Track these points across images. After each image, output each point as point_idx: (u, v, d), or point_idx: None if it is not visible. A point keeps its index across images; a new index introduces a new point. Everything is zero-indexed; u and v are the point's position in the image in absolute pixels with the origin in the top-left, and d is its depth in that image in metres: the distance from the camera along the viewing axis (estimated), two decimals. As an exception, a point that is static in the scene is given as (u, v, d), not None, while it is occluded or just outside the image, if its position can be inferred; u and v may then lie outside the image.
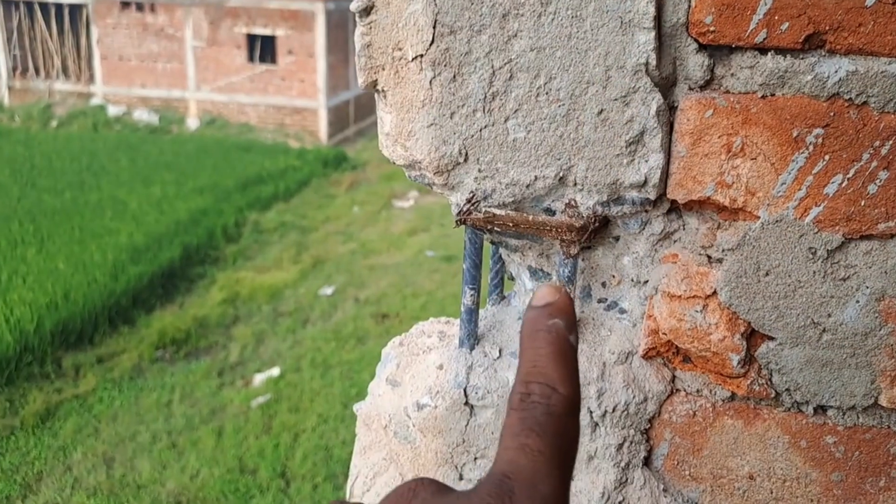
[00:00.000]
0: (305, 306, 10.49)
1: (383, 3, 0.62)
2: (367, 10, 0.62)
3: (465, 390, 0.71)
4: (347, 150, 19.18)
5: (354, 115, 21.44)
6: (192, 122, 21.41)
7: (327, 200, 15.76)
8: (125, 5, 21.54)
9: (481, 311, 0.78)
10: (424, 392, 0.72)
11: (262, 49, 20.77)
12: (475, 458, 0.72)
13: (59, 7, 22.01)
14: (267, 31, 20.30)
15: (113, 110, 21.48)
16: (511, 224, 0.67)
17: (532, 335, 0.37)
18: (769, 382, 0.66)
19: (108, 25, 21.66)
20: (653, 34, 0.59)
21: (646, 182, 0.63)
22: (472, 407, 0.71)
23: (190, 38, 21.31)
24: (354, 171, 17.43)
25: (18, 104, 22.12)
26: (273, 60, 20.79)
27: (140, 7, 21.46)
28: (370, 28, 0.63)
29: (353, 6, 0.62)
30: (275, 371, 8.45)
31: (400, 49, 0.63)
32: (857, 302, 0.61)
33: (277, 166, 17.13)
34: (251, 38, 20.69)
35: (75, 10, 21.99)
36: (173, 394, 8.28)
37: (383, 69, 0.64)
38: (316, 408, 7.60)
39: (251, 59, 20.98)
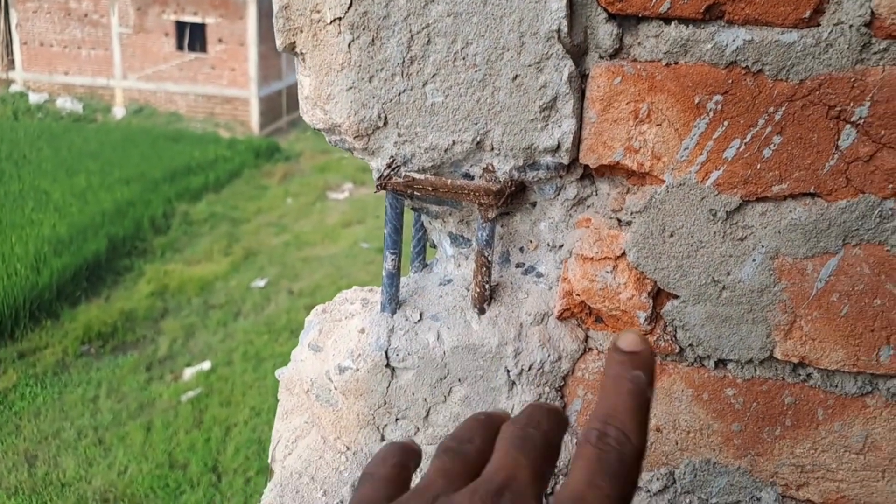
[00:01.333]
0: (237, 299, 10.32)
1: (302, -34, 0.63)
2: (285, -28, 0.63)
3: (386, 352, 0.72)
4: (280, 140, 18.90)
5: (287, 105, 21.13)
6: (119, 111, 20.74)
7: (259, 192, 15.51)
8: (46, -12, 20.71)
9: (403, 279, 0.79)
10: (346, 355, 0.73)
11: (192, 37, 20.26)
12: (396, 419, 0.74)
13: (-27, -12, 21.00)
14: (197, 19, 19.81)
15: (34, 98, 20.62)
16: (430, 189, 0.69)
17: (616, 380, 0.40)
18: (674, 338, 0.69)
19: (29, 10, 20.76)
20: (564, 2, 0.61)
21: (559, 147, 0.66)
22: (393, 369, 0.73)
23: (116, 24, 20.61)
24: (287, 162, 17.19)
25: (-70, 90, 21.06)
26: (203, 49, 20.31)
27: (62, -10, 20.66)
28: (289, -10, 0.64)
29: (272, -33, 0.62)
30: (205, 365, 8.30)
31: (318, 11, 0.64)
32: (754, 260, 0.65)
33: (207, 157, 16.75)
34: (180, 26, 20.16)
35: (-8, -9, 21.01)
36: (99, 389, 8.04)
37: (301, 31, 0.65)
38: (248, 401, 7.49)
39: (180, 46, 20.43)
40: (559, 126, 0.65)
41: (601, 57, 0.65)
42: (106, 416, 7.32)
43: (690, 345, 0.69)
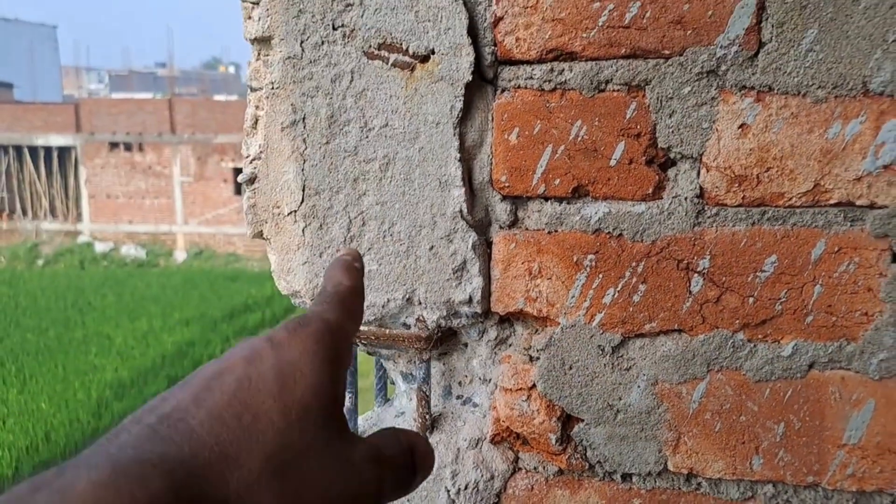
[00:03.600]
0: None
1: (263, 174, 0.83)
2: (251, 181, 0.82)
3: (346, 478, 0.86)
4: (332, 275, 19.42)
5: (338, 240, 21.84)
6: (180, 255, 21.79)
7: (312, 326, 15.83)
8: (114, 146, 22.35)
9: (367, 413, 0.94)
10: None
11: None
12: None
13: (47, 150, 22.77)
14: (251, 165, 21.03)
15: (100, 247, 21.87)
16: (374, 337, 0.85)
17: (330, 266, 0.48)
18: (584, 457, 0.82)
19: (97, 165, 22.39)
20: (463, 189, 0.79)
21: (471, 300, 0.82)
22: None
23: (178, 174, 22.02)
24: (339, 295, 17.61)
25: (5, 245, 22.46)
26: (258, 192, 21.39)
27: (129, 147, 22.28)
28: (254, 193, 0.83)
29: (241, 178, 0.82)
30: None
31: (278, 207, 0.83)
32: (639, 387, 0.78)
33: (264, 293, 17.31)
34: (237, 172, 21.40)
35: (64, 151, 22.74)
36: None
37: (266, 223, 0.84)
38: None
39: (238, 191, 21.65)
40: (470, 283, 0.81)
41: (501, 227, 0.82)
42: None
43: (598, 461, 0.81)
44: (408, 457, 0.44)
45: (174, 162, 21.81)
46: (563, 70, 0.76)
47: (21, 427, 9.78)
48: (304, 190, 0.82)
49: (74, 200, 22.67)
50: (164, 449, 0.34)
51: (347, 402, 0.89)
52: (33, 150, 22.57)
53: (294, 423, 0.38)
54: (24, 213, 22.80)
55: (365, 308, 0.84)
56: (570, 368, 0.80)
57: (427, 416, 0.86)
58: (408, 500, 0.85)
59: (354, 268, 0.48)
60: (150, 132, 21.91)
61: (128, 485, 0.31)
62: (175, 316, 15.35)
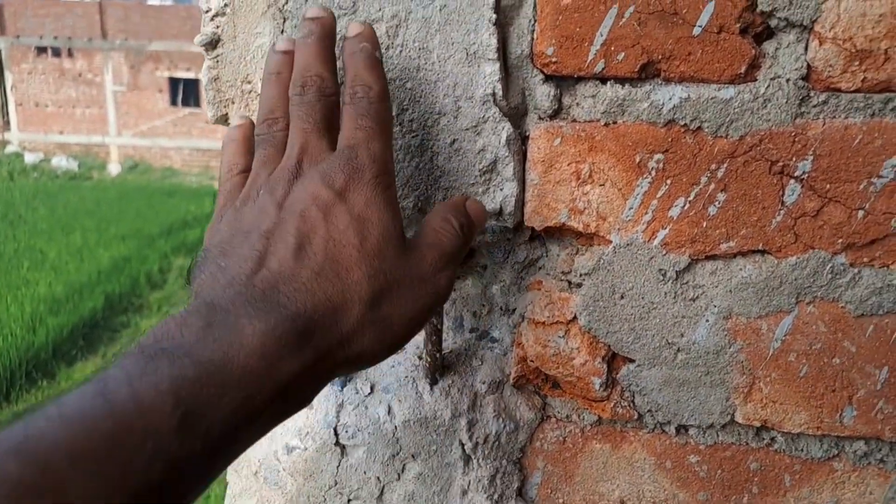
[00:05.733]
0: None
1: (229, 37, 0.62)
2: (212, 44, 0.62)
3: (335, 429, 0.69)
4: (276, 191, 18.99)
5: (282, 156, 21.30)
6: (114, 168, 20.91)
7: (256, 243, 15.52)
8: (41, 51, 21.03)
9: (357, 347, 0.77)
10: (294, 434, 0.70)
11: (186, 92, 20.51)
12: (348, 500, 0.70)
13: (-31, 53, 21.32)
14: (190, 75, 20.09)
15: (30, 158, 20.80)
16: (373, 257, 0.67)
17: (351, 56, 0.53)
18: (632, 404, 0.67)
19: (24, 71, 21.07)
20: (497, 65, 0.60)
21: (502, 210, 0.64)
22: (343, 447, 0.70)
23: (110, 82, 20.90)
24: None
25: (-74, 154, 21.24)
26: (197, 104, 20.55)
27: (57, 52, 20.97)
28: (217, 62, 0.62)
29: (197, 40, 0.61)
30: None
31: (249, 82, 0.63)
32: (707, 321, 0.63)
33: (203, 210, 16.82)
34: (174, 82, 20.43)
35: (-13, 55, 21.33)
36: (94, 450, 7.92)
37: (233, 102, 0.64)
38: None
39: (174, 102, 20.69)
40: (501, 189, 0.63)
41: (540, 118, 0.63)
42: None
43: (649, 410, 0.66)
44: (467, 233, 0.54)
45: (106, 69, 20.60)
46: None
47: (-50, 343, 9.37)
48: (283, 61, 0.61)
49: (1, 108, 21.36)
50: (292, 308, 0.42)
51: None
52: (-49, 53, 21.00)
53: (377, 266, 0.47)
54: (-55, 120, 21.43)
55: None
56: (622, 298, 0.64)
57: (437, 356, 0.69)
58: (412, 456, 0.69)
59: (377, 59, 0.53)
60: (80, 37, 20.57)
61: (279, 336, 0.41)
62: (111, 231, 14.75)
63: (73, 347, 10.50)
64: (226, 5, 0.60)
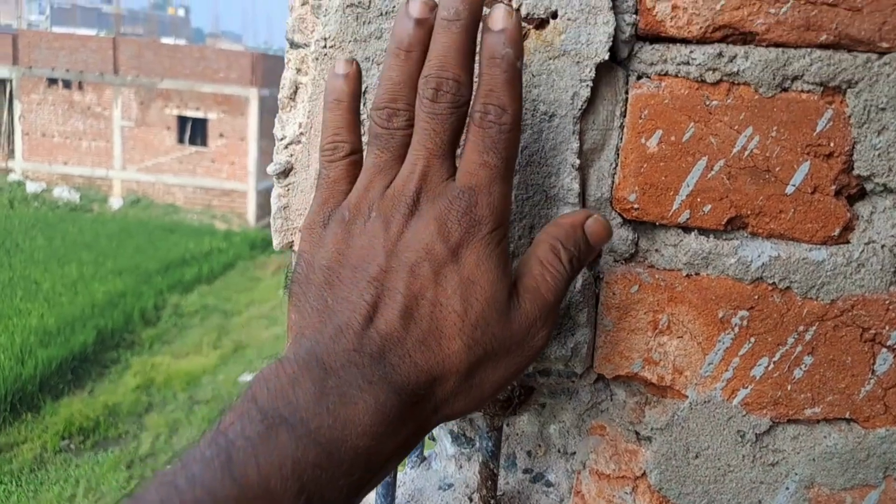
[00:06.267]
0: (224, 394, 10.11)
1: (303, 166, 0.59)
2: (285, 173, 0.59)
3: (378, 574, 0.65)
4: (276, 233, 19.01)
5: (284, 198, 21.36)
6: (116, 202, 20.93)
7: (253, 283, 15.46)
8: (52, 82, 21.23)
9: (400, 475, 0.73)
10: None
11: (193, 131, 20.66)
12: None
13: (-20, 81, 21.50)
14: (199, 114, 20.26)
15: (32, 187, 20.83)
16: (430, 395, 0.63)
17: (490, 61, 0.46)
18: (700, 569, 0.62)
19: (33, 101, 21.24)
20: (577, 209, 0.58)
21: (572, 356, 0.61)
22: (385, 592, 0.65)
23: (118, 117, 21.07)
24: (282, 253, 17.25)
25: (-71, 177, 21.27)
26: (204, 143, 20.68)
27: (67, 85, 21.17)
28: (288, 190, 0.60)
29: (271, 169, 0.58)
30: (188, 466, 8.04)
31: (315, 213, 0.60)
32: (787, 489, 0.59)
33: (202, 248, 16.81)
34: (182, 120, 20.59)
35: (-2, 84, 21.50)
36: (77, 487, 7.74)
37: (300, 231, 0.61)
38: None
39: (181, 140, 20.82)
40: (572, 335, 0.60)
41: (615, 261, 0.61)
42: (81, 520, 7.04)
43: (718, 576, 0.62)
44: (576, 266, 0.52)
45: (115, 104, 20.77)
46: (735, 56, 0.55)
47: (-63, 371, 9.22)
48: (353, 191, 0.59)
49: (7, 136, 21.46)
50: (397, 380, 0.44)
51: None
52: (-37, 79, 21.18)
53: (477, 337, 0.46)
54: (-50, 144, 21.51)
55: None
56: (697, 457, 0.60)
57: (492, 502, 0.65)
58: None
59: (518, 72, 0.48)
60: (92, 71, 20.78)
61: (387, 412, 0.42)
62: (108, 265, 14.69)
63: (61, 381, 10.35)
64: (301, 134, 0.58)
